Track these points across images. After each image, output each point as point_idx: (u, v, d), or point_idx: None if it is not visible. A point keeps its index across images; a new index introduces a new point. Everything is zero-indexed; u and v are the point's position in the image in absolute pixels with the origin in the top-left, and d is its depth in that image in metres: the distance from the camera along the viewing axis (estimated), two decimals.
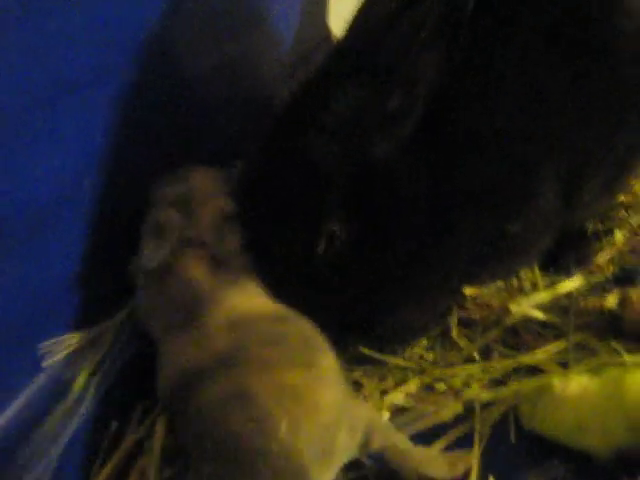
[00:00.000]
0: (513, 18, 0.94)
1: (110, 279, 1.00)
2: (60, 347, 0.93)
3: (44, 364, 0.91)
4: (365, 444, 0.82)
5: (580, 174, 1.01)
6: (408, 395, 0.96)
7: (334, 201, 0.90)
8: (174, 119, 1.13)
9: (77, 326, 0.96)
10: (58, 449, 0.89)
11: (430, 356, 1.02)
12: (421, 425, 0.92)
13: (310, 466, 0.74)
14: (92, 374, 0.95)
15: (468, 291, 1.07)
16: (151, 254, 0.91)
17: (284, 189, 0.92)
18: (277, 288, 0.92)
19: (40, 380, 0.91)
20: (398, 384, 0.98)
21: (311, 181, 0.90)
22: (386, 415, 0.94)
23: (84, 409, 0.93)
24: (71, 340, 0.94)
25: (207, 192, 0.97)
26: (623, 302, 0.99)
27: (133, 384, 1.00)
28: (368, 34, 0.93)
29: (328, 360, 0.82)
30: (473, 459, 0.86)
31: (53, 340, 0.92)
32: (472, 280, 1.05)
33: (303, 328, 0.85)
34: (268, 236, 0.93)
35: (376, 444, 0.82)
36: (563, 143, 0.97)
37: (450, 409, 0.92)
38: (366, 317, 0.97)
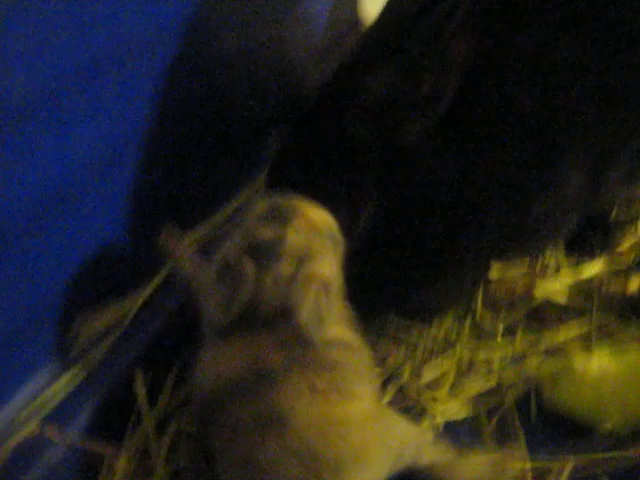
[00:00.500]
0: (541, 5, 0.96)
1: (145, 253, 1.02)
2: (86, 326, 0.96)
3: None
4: (413, 463, 0.80)
5: (605, 161, 1.04)
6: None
7: (368, 179, 0.93)
8: (208, 101, 1.16)
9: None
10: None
11: (453, 337, 1.04)
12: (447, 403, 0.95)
13: None
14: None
15: (493, 274, 1.09)
16: (219, 313, 0.79)
17: (319, 166, 0.95)
18: None
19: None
20: (425, 361, 1.00)
21: (347, 159, 0.94)
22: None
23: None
24: (98, 316, 0.98)
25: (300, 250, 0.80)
26: None
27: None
28: (400, 21, 0.96)
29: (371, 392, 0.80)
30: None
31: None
32: (499, 257, 1.08)
33: (362, 359, 0.82)
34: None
35: (424, 461, 0.81)
36: (589, 130, 0.99)
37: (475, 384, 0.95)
38: (394, 294, 1.00)
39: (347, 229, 0.93)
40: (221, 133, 1.21)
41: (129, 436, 0.93)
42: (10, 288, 0.84)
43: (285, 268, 0.77)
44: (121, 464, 0.89)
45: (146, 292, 1.03)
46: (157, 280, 1.06)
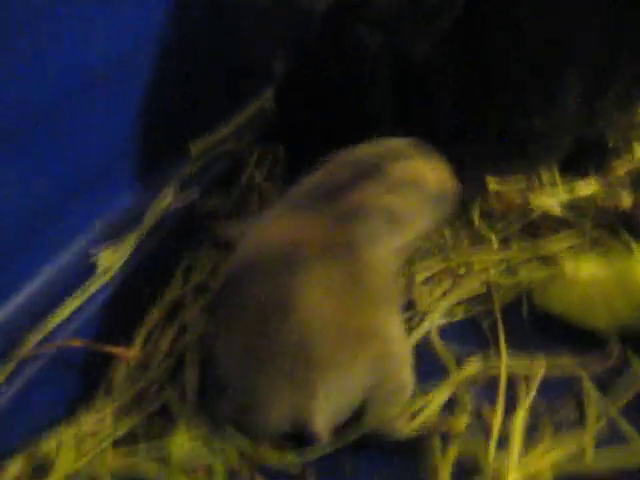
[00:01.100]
0: None
1: (161, 144, 1.08)
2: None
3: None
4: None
5: (601, 83, 1.08)
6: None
7: (378, 91, 0.97)
8: (214, 20, 1.20)
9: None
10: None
11: (451, 243, 1.09)
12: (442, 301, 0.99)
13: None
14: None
15: (492, 187, 1.13)
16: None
17: (330, 78, 0.98)
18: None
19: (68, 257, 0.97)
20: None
21: (358, 74, 0.97)
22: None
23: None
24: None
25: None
26: (637, 204, 1.06)
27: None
28: None
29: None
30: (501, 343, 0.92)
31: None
32: (495, 174, 1.12)
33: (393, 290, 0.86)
34: (312, 124, 0.99)
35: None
36: (587, 51, 1.03)
37: (469, 286, 0.99)
38: None
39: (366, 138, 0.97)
40: (234, 44, 1.23)
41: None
42: None
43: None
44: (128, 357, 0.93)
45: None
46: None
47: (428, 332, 0.95)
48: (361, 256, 0.82)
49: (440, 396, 0.85)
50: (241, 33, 1.27)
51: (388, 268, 0.87)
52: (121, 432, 0.83)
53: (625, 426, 0.79)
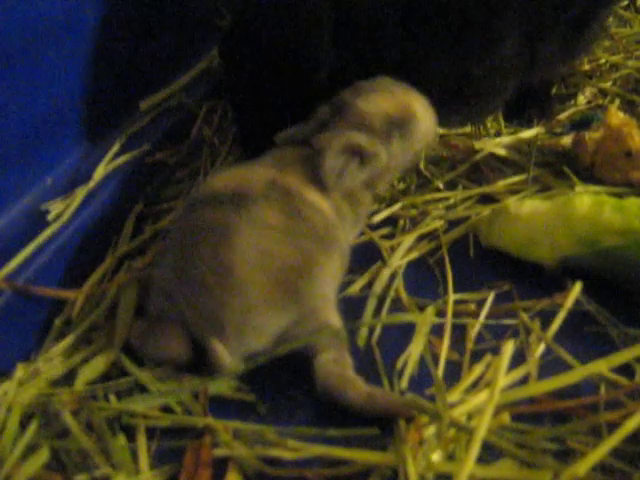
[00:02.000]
0: None
1: (110, 99, 1.08)
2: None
3: None
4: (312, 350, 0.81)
5: (540, 27, 1.10)
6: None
7: (321, 38, 0.98)
8: None
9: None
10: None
11: (402, 186, 1.11)
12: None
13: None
14: None
15: (438, 131, 1.15)
16: (350, 176, 0.90)
17: (273, 29, 0.99)
18: (265, 117, 1.00)
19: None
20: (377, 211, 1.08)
21: (302, 20, 0.98)
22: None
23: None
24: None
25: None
26: (577, 142, 1.09)
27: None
28: None
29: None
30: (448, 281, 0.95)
31: None
32: (443, 122, 1.14)
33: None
34: (259, 70, 1.00)
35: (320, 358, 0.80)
36: None
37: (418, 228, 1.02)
38: None
39: (307, 81, 0.99)
40: (182, 2, 1.24)
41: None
42: None
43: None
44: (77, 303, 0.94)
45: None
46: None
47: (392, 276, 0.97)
48: (302, 195, 0.86)
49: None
50: None
51: (337, 209, 0.90)
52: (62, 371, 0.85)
53: (562, 352, 0.82)
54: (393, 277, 0.96)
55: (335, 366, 0.78)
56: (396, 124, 0.94)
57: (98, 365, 0.84)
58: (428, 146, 1.00)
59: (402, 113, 0.94)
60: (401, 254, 0.99)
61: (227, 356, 0.78)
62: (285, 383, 0.82)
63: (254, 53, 1.01)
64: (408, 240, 1.02)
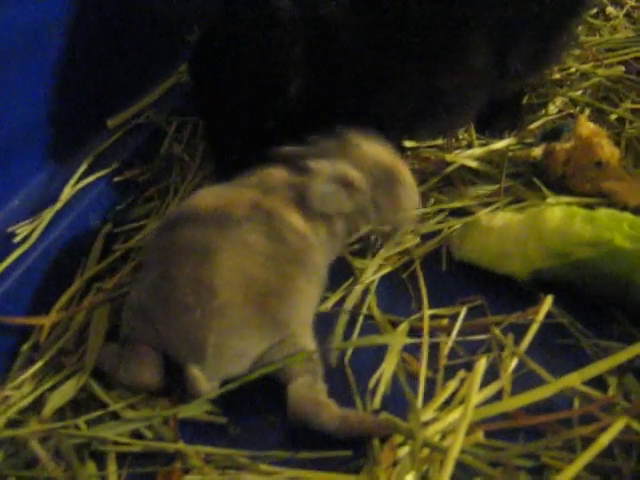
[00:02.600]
0: None
1: (77, 118, 1.07)
2: None
3: None
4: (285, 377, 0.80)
5: (508, 39, 1.10)
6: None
7: (295, 52, 0.97)
8: None
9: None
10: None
11: None
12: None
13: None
14: None
15: (409, 144, 1.15)
16: (335, 202, 0.91)
17: (242, 44, 0.99)
18: (236, 135, 1.00)
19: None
20: None
21: (273, 35, 0.97)
22: None
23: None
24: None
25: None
26: (548, 153, 1.09)
27: None
28: None
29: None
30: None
31: None
32: (414, 135, 1.14)
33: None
34: (230, 86, 1.00)
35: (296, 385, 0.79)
36: (493, 10, 1.06)
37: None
38: None
39: (277, 99, 0.98)
40: (151, 19, 1.23)
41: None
42: None
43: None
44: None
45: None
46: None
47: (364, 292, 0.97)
48: (286, 219, 0.86)
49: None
50: (156, 6, 1.26)
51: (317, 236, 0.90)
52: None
53: (534, 365, 0.81)
54: (366, 293, 0.95)
55: (308, 391, 0.77)
56: (388, 179, 0.95)
57: (67, 391, 0.82)
58: (406, 221, 1.00)
59: (396, 173, 0.96)
60: (373, 270, 0.98)
61: (205, 382, 0.77)
62: (258, 406, 0.81)
63: (224, 68, 1.00)
64: (380, 256, 1.00)
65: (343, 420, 0.74)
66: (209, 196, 0.87)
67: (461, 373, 0.82)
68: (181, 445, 0.75)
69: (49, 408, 0.81)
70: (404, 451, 0.71)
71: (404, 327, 0.89)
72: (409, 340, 0.88)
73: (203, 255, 0.78)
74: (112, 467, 0.75)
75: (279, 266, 0.82)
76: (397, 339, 0.87)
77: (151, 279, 0.81)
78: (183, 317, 0.77)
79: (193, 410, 0.79)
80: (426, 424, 0.74)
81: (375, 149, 0.96)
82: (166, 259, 0.81)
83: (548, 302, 0.86)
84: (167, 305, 0.78)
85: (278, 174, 0.92)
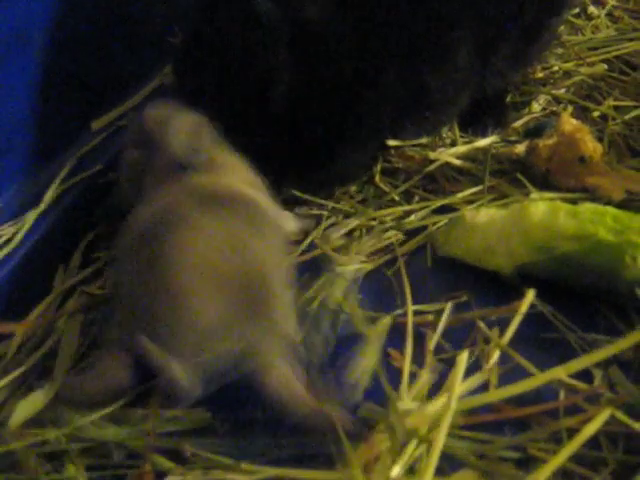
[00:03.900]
0: None
1: (60, 119, 1.06)
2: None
3: None
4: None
5: (492, 38, 1.11)
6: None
7: (279, 56, 0.97)
8: None
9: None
10: None
11: (360, 196, 1.12)
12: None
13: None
14: None
15: (392, 143, 1.15)
16: (125, 197, 0.92)
17: (226, 49, 0.99)
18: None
19: None
20: (334, 224, 1.06)
21: (257, 38, 0.97)
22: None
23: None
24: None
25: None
26: (531, 149, 1.09)
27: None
28: None
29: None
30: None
31: None
32: (398, 134, 1.14)
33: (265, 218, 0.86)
34: (215, 88, 0.99)
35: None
36: (475, 9, 1.07)
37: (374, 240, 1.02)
38: (303, 163, 1.06)
39: (260, 105, 0.98)
40: (133, 20, 1.23)
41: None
42: None
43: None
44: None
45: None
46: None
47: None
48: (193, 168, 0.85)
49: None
50: (140, 9, 1.26)
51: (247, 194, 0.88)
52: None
53: (519, 357, 0.81)
54: (349, 290, 0.95)
55: (286, 382, 0.75)
56: None
57: (36, 402, 0.78)
58: None
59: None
60: (356, 267, 0.98)
61: (185, 380, 0.74)
62: (238, 401, 0.79)
63: (207, 72, 1.00)
64: (363, 253, 1.01)
65: (318, 413, 0.73)
66: (148, 206, 0.84)
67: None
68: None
69: (16, 419, 0.77)
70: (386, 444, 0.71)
71: (386, 321, 0.89)
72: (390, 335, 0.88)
73: (166, 260, 0.76)
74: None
75: (245, 249, 0.78)
76: (377, 332, 0.86)
77: (125, 291, 0.80)
78: (157, 323, 0.75)
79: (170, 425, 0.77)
80: (407, 412, 0.73)
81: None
82: (135, 278, 0.78)
83: (530, 295, 0.86)
84: (143, 315, 0.76)
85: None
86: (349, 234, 1.04)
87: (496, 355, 0.82)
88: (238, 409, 0.79)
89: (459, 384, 0.71)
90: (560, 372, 0.75)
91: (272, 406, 0.75)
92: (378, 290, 0.96)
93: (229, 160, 0.90)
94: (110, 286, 0.93)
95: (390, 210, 1.07)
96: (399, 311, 0.92)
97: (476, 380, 0.79)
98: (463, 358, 0.72)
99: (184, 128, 0.88)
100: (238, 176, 0.89)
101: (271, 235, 0.84)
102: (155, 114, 0.93)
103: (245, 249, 0.79)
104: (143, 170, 0.90)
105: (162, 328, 0.74)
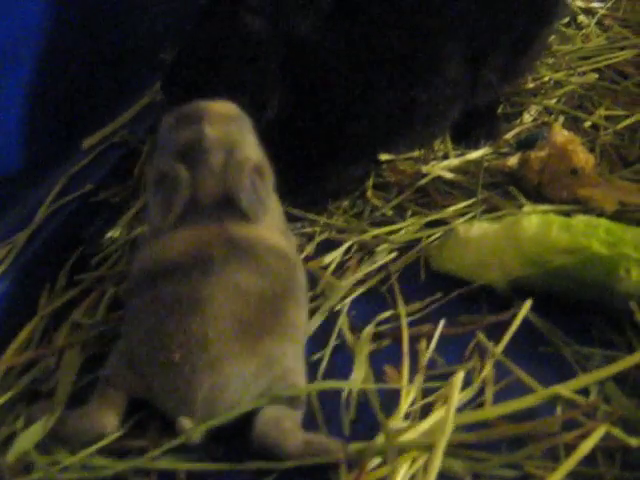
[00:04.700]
0: None
1: (50, 138, 1.06)
2: None
3: None
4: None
5: (482, 51, 1.11)
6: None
7: (271, 71, 0.97)
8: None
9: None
10: None
11: (353, 211, 1.12)
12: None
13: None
14: None
15: (384, 157, 1.15)
16: (159, 217, 0.82)
17: (217, 66, 0.98)
18: None
19: None
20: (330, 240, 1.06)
21: (243, 57, 0.97)
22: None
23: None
24: None
25: (223, 140, 0.84)
26: (523, 162, 1.09)
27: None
28: None
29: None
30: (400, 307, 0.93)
31: None
32: (390, 148, 1.14)
33: (296, 273, 0.84)
34: None
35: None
36: (464, 21, 1.07)
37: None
38: (296, 180, 1.06)
39: (255, 120, 0.97)
40: (123, 38, 1.22)
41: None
42: None
43: (215, 159, 0.82)
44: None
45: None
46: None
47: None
48: (267, 241, 0.82)
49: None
50: (128, 25, 1.26)
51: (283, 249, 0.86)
52: None
53: (517, 370, 0.81)
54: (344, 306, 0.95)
55: (275, 418, 0.74)
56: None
57: (35, 434, 0.77)
58: None
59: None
60: (351, 283, 0.98)
61: (197, 432, 0.73)
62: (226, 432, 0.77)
63: (199, 90, 0.99)
64: (359, 272, 1.00)
65: (307, 447, 0.72)
66: (176, 242, 0.80)
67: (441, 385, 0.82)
68: None
69: (14, 452, 0.76)
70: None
71: (367, 334, 0.89)
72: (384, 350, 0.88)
73: (191, 307, 0.74)
74: None
75: (271, 302, 0.78)
76: (361, 347, 0.87)
77: (139, 334, 0.77)
78: (172, 373, 0.73)
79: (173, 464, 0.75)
80: (402, 430, 0.72)
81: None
82: (153, 314, 0.76)
83: (525, 307, 0.86)
84: (156, 360, 0.74)
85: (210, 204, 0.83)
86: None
87: (491, 370, 0.82)
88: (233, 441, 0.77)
89: (455, 404, 0.70)
90: (561, 390, 0.76)
91: (258, 441, 0.73)
92: (372, 306, 0.96)
93: (271, 206, 0.86)
94: (122, 317, 0.89)
95: (387, 228, 1.07)
96: (392, 325, 0.92)
97: (471, 396, 0.79)
98: (459, 378, 0.72)
99: (250, 171, 0.83)
100: (274, 225, 0.87)
101: (299, 292, 0.83)
102: (218, 135, 0.84)
103: (273, 307, 0.78)
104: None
105: (176, 378, 0.73)
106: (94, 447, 0.75)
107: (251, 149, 0.86)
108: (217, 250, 0.78)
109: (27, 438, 0.76)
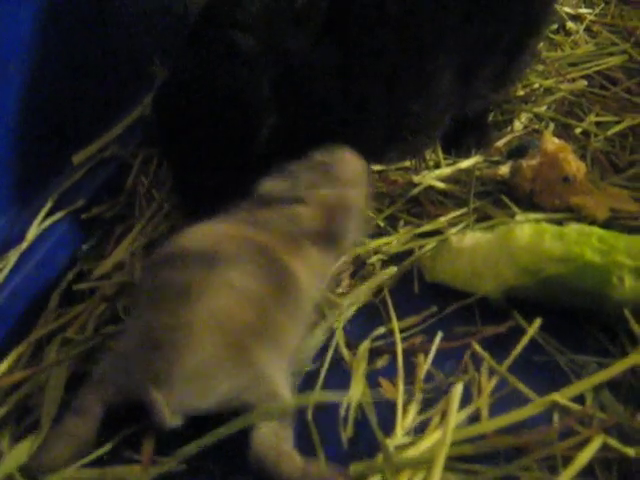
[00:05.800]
0: None
1: (40, 155, 1.06)
2: None
3: None
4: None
5: (473, 61, 1.12)
6: None
7: (264, 92, 0.97)
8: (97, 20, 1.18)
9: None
10: None
11: None
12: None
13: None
14: None
15: (376, 168, 1.15)
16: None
17: (208, 84, 0.98)
18: (207, 175, 0.99)
19: None
20: None
21: (234, 76, 0.97)
22: None
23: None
24: None
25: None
26: (515, 170, 1.09)
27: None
28: None
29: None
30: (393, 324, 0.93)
31: None
32: (382, 159, 1.14)
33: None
34: (199, 128, 0.99)
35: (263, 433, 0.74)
36: (455, 33, 1.07)
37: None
38: None
39: (248, 140, 0.97)
40: (113, 51, 1.22)
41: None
42: None
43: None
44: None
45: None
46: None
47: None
48: (280, 257, 0.84)
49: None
50: (119, 41, 1.25)
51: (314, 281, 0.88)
52: None
53: (515, 382, 0.81)
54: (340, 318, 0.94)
55: (272, 439, 0.73)
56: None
57: (21, 454, 0.76)
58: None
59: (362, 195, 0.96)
60: (350, 302, 0.97)
61: (168, 412, 0.73)
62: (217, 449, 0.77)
63: (192, 114, 0.99)
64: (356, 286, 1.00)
65: (305, 474, 0.71)
66: (197, 234, 0.84)
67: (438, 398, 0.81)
68: None
69: (2, 471, 0.75)
70: None
71: (363, 349, 0.88)
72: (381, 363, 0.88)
73: (184, 298, 0.76)
74: None
75: (264, 307, 0.79)
76: (359, 363, 0.86)
77: (138, 326, 0.79)
78: (154, 353, 0.74)
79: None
80: (400, 448, 0.72)
81: (353, 166, 0.96)
82: (152, 305, 0.78)
83: (535, 325, 0.87)
84: (144, 345, 0.76)
85: (267, 208, 0.89)
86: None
87: (487, 381, 0.82)
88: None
89: (453, 421, 0.70)
90: (557, 397, 0.76)
91: (256, 462, 0.73)
92: (367, 318, 0.95)
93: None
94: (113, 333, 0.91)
95: (380, 241, 1.06)
96: (388, 340, 0.91)
97: (469, 410, 0.79)
98: (457, 393, 0.72)
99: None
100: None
101: (297, 310, 0.84)
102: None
103: (263, 304, 0.79)
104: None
105: (157, 357, 0.74)
106: (78, 463, 0.75)
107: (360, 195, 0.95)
108: (227, 248, 0.80)
109: (17, 455, 0.76)
